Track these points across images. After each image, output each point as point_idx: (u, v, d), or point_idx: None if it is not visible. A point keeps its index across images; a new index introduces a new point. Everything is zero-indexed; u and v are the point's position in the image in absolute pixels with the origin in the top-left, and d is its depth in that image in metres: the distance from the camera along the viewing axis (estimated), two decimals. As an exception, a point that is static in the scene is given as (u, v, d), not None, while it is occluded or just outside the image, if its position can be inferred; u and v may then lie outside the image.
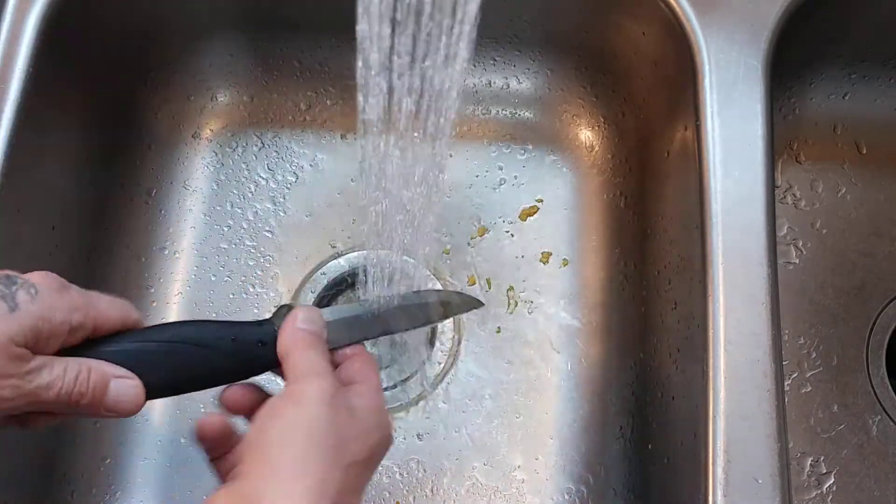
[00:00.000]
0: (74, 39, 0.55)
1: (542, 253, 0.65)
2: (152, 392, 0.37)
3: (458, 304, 0.47)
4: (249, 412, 0.39)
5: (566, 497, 0.59)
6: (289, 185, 0.66)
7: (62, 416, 0.38)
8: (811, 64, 0.65)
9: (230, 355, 0.39)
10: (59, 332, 0.35)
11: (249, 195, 0.66)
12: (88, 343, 0.36)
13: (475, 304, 0.49)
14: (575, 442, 0.60)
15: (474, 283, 0.64)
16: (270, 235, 0.65)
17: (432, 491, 0.59)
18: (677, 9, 0.54)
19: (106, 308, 0.37)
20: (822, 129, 0.69)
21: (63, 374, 0.34)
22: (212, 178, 0.66)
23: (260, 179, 0.67)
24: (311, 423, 0.35)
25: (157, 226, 0.65)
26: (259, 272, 0.64)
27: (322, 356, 0.39)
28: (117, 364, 0.36)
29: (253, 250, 0.64)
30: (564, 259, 0.65)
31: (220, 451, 0.39)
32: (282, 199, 0.66)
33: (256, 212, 0.65)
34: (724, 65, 0.53)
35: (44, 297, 0.35)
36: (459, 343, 0.63)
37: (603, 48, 0.64)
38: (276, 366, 0.39)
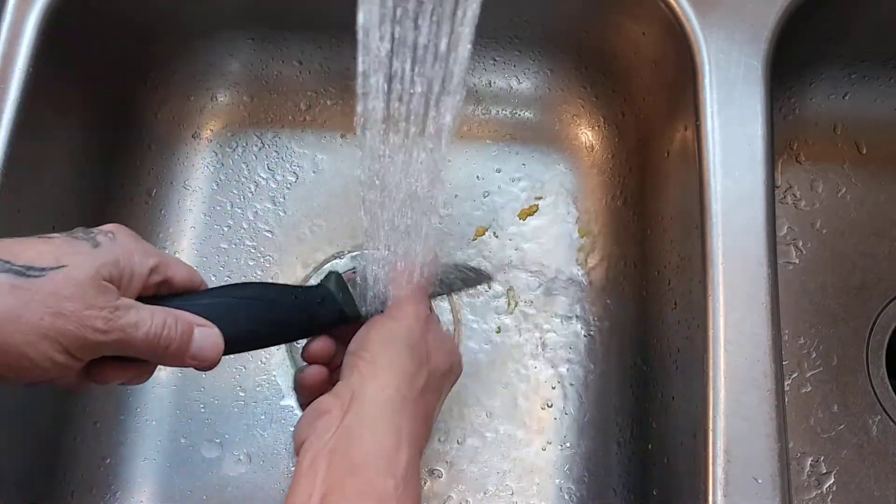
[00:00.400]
0: (74, 39, 0.55)
1: (541, 252, 0.65)
2: (228, 345, 0.38)
3: (474, 278, 0.53)
4: (329, 362, 0.43)
5: (566, 497, 0.59)
6: (289, 185, 0.67)
7: (138, 375, 0.38)
8: (811, 64, 0.65)
9: (295, 311, 0.41)
10: (138, 273, 0.36)
11: (249, 195, 0.66)
12: (164, 298, 0.38)
13: (484, 278, 0.55)
14: (574, 442, 0.60)
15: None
16: (270, 235, 0.65)
17: (432, 490, 0.59)
18: (677, 9, 0.54)
19: (175, 262, 0.39)
20: (822, 129, 0.69)
21: (150, 318, 0.35)
22: (212, 178, 0.66)
23: (260, 179, 0.67)
24: (406, 332, 0.41)
25: (157, 226, 0.65)
26: (259, 272, 0.64)
27: (421, 289, 0.44)
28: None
29: (253, 250, 0.64)
30: (563, 260, 0.65)
31: (314, 394, 0.42)
32: (282, 199, 0.66)
33: (256, 212, 0.65)
34: (724, 65, 0.53)
35: (121, 240, 0.37)
36: (459, 343, 0.63)
37: (603, 48, 0.64)
38: (334, 323, 0.43)
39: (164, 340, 0.36)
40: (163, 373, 0.61)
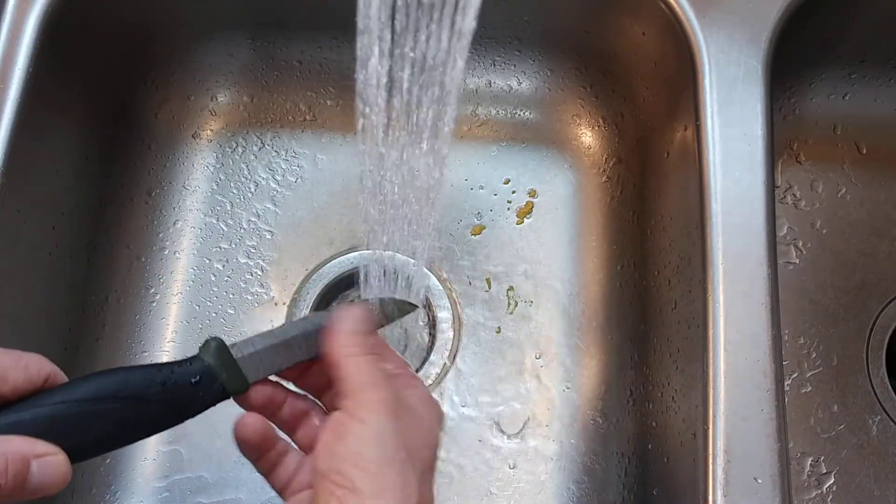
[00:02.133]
0: (74, 39, 0.55)
1: (541, 252, 0.65)
2: (77, 456, 0.32)
3: (398, 309, 0.44)
4: (276, 413, 0.38)
5: (566, 497, 0.59)
6: (289, 185, 0.67)
7: None
8: (811, 64, 0.65)
9: (161, 402, 0.35)
10: None
11: (249, 195, 0.66)
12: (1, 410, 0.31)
13: (410, 308, 0.46)
14: (574, 442, 0.60)
15: (472, 284, 0.64)
16: (270, 235, 0.65)
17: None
18: (677, 9, 0.54)
19: (8, 368, 0.31)
20: (822, 129, 0.69)
21: None
22: (212, 178, 0.66)
23: (260, 179, 0.67)
24: (379, 439, 0.34)
25: (157, 226, 0.65)
26: (259, 272, 0.64)
27: (376, 362, 0.36)
28: (32, 435, 0.31)
29: (253, 250, 0.64)
30: (563, 259, 0.65)
31: (264, 456, 0.38)
32: (282, 199, 0.66)
33: (256, 212, 0.65)
34: (724, 65, 0.53)
35: None
36: (459, 343, 0.63)
37: (603, 48, 0.64)
38: (212, 404, 0.37)
39: None
40: (163, 373, 0.61)
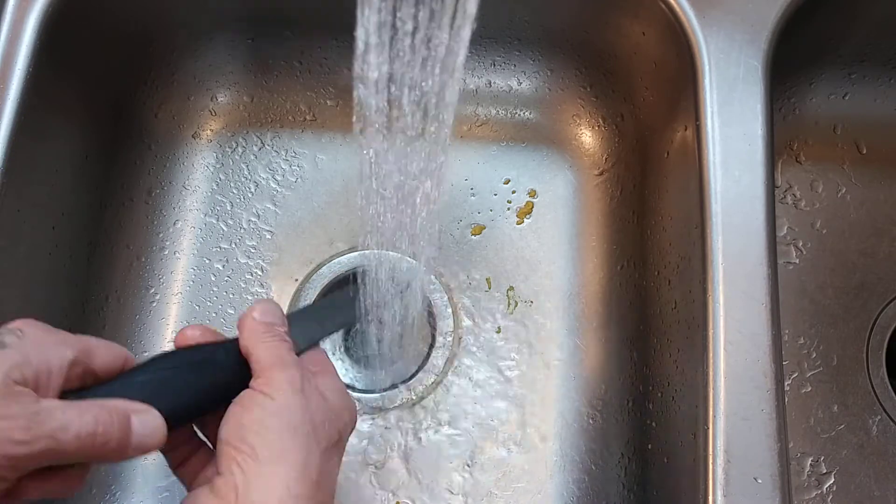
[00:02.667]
0: (74, 39, 0.55)
1: (540, 252, 0.65)
2: (171, 421, 0.35)
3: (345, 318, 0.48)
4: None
5: (566, 497, 0.59)
6: (289, 185, 0.66)
7: (67, 484, 0.34)
8: (811, 64, 0.65)
9: (227, 369, 0.38)
10: (56, 368, 0.33)
11: (249, 195, 0.66)
12: (93, 388, 0.35)
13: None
14: (574, 442, 0.60)
15: (472, 284, 0.64)
16: (270, 235, 0.65)
17: (432, 490, 0.59)
18: (677, 9, 0.54)
19: (96, 346, 0.35)
20: (822, 129, 0.69)
21: (79, 417, 0.31)
22: (212, 179, 0.66)
23: (260, 179, 0.67)
24: (285, 411, 0.35)
25: (157, 226, 0.65)
26: (259, 272, 0.64)
27: (285, 346, 0.39)
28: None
29: (253, 250, 0.64)
30: (562, 260, 0.65)
31: (181, 453, 0.39)
32: (282, 199, 0.66)
33: (256, 212, 0.65)
34: (724, 65, 0.53)
35: (31, 336, 0.33)
36: (459, 343, 0.63)
37: (603, 48, 0.64)
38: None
39: (101, 438, 0.32)
40: (163, 373, 0.61)
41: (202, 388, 0.38)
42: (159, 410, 0.35)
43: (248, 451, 0.34)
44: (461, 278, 0.64)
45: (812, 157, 0.69)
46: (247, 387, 0.38)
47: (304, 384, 0.37)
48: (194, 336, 0.40)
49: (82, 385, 0.34)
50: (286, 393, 0.36)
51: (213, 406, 0.38)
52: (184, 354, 0.39)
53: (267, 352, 0.38)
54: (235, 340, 0.39)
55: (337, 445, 0.38)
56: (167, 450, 0.39)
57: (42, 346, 0.33)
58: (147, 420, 0.34)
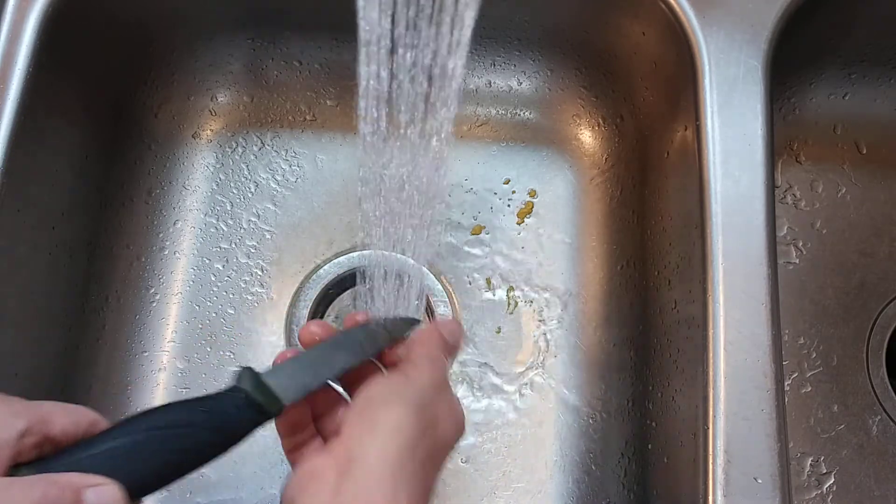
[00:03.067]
0: (74, 39, 0.55)
1: (540, 252, 0.65)
2: (137, 491, 0.33)
3: (400, 328, 0.45)
4: (314, 405, 0.40)
5: (566, 497, 0.59)
6: (289, 186, 0.66)
7: None
8: (811, 64, 0.65)
9: (208, 429, 0.36)
10: (4, 441, 0.30)
11: (249, 195, 0.66)
12: (48, 458, 0.32)
13: (410, 325, 0.47)
14: (574, 442, 0.60)
15: (472, 284, 0.64)
16: (270, 235, 0.65)
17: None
18: (677, 9, 0.54)
19: (53, 412, 0.33)
20: (822, 129, 0.69)
21: (24, 494, 0.29)
22: (212, 179, 0.66)
23: (260, 179, 0.67)
24: (418, 394, 0.37)
25: (157, 226, 0.65)
26: (259, 272, 0.64)
27: (444, 358, 0.40)
28: (87, 472, 0.31)
29: (253, 250, 0.64)
30: (562, 259, 0.65)
31: (295, 439, 0.39)
32: (282, 199, 0.66)
33: (256, 212, 0.65)
34: (724, 65, 0.53)
35: None
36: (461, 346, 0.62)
37: (603, 48, 0.64)
38: (254, 428, 0.38)
39: None
40: (162, 374, 0.61)
41: (181, 450, 0.35)
42: (124, 480, 0.32)
43: (370, 416, 0.35)
44: (461, 278, 0.64)
45: (812, 157, 0.69)
46: (230, 448, 0.37)
47: (443, 386, 0.39)
48: (316, 332, 0.40)
49: (40, 455, 0.32)
50: (425, 381, 0.38)
51: (188, 470, 0.35)
52: (158, 415, 0.35)
53: (428, 350, 0.40)
54: (223, 394, 0.37)
55: (445, 448, 0.39)
56: (284, 433, 0.39)
57: None
58: (103, 493, 0.31)
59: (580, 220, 0.66)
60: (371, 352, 0.42)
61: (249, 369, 0.38)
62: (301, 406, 0.39)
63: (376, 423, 0.35)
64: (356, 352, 0.42)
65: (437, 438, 0.37)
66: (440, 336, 0.41)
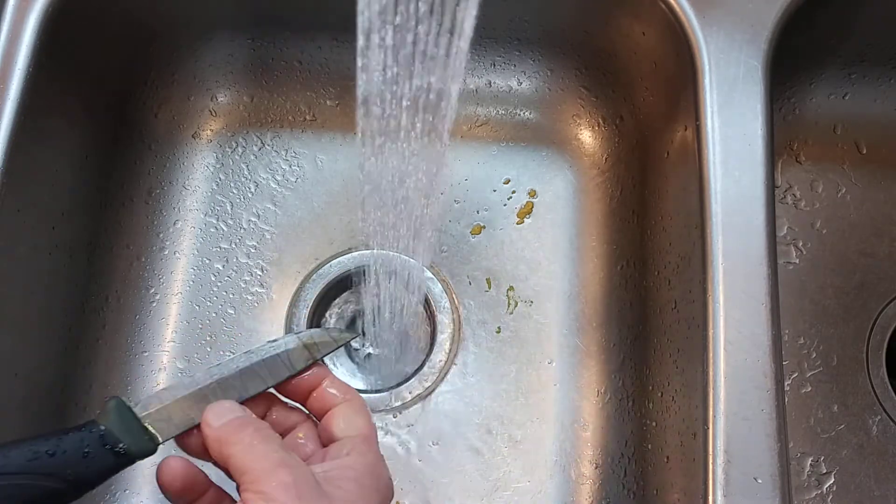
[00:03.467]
0: (74, 39, 0.55)
1: (540, 252, 0.65)
2: None
3: (325, 342, 0.40)
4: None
5: (566, 497, 0.59)
6: (289, 186, 0.66)
7: None
8: (811, 64, 0.65)
9: (51, 475, 0.32)
10: None
11: (249, 195, 0.66)
12: None
13: (345, 338, 0.42)
14: (574, 442, 0.60)
15: (472, 284, 0.64)
16: (270, 235, 0.65)
17: (432, 491, 0.59)
18: (677, 9, 0.54)
19: None
20: (822, 129, 0.69)
21: None
22: (212, 179, 0.66)
23: (260, 179, 0.67)
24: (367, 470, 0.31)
25: (157, 226, 0.65)
26: (259, 272, 0.64)
27: (265, 439, 0.33)
28: None
29: (253, 250, 0.64)
30: (562, 259, 0.65)
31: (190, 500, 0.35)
32: (282, 199, 0.66)
33: (256, 212, 0.65)
34: (724, 65, 0.53)
35: None
36: (459, 343, 0.63)
37: (603, 48, 0.64)
38: (116, 470, 0.34)
39: None
40: (162, 374, 0.61)
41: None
42: None
43: None
44: (461, 278, 0.64)
45: (812, 157, 0.69)
46: (73, 497, 0.33)
47: (303, 490, 0.30)
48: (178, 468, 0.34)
49: None
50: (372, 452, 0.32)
51: None
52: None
53: (245, 457, 0.32)
54: (76, 432, 0.33)
55: None
56: (174, 496, 0.35)
57: None
58: None
59: (580, 220, 0.66)
60: (281, 376, 0.37)
61: (117, 399, 0.34)
62: (186, 468, 0.34)
63: None
64: (255, 382, 0.37)
65: None
66: (232, 427, 0.33)
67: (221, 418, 0.33)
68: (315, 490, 0.31)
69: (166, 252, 0.64)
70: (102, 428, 0.34)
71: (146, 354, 0.61)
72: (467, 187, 0.67)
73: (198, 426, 0.35)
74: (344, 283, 0.64)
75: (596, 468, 0.60)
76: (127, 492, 0.58)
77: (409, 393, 0.61)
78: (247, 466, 0.31)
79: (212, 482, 0.36)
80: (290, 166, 0.67)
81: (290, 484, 0.30)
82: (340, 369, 0.63)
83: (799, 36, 0.56)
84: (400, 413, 0.61)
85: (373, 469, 0.34)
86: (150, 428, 0.34)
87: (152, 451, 0.34)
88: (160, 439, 0.34)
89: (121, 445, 0.33)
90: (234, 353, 0.61)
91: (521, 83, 0.69)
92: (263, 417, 0.38)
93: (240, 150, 0.67)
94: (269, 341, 0.39)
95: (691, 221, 0.52)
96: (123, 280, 0.62)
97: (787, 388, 0.62)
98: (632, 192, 0.65)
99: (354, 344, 0.63)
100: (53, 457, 0.32)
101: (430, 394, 0.61)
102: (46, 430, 0.32)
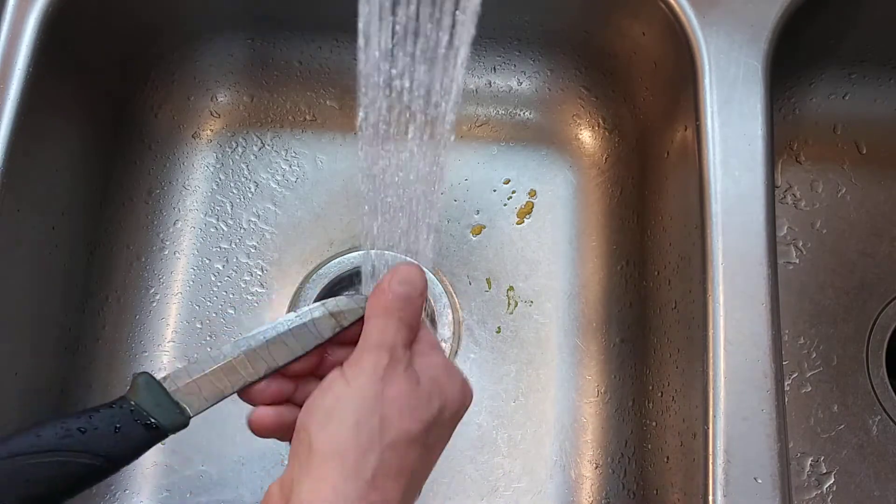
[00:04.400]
0: (74, 39, 0.55)
1: (540, 252, 0.65)
2: None
3: (351, 309, 0.40)
4: (292, 397, 0.37)
5: (566, 497, 0.59)
6: (289, 186, 0.67)
7: None
8: (811, 64, 0.65)
9: (85, 452, 0.32)
10: None
11: (249, 195, 0.66)
12: None
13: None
14: (574, 442, 0.60)
15: (472, 284, 0.64)
16: (270, 235, 0.65)
17: (432, 491, 0.59)
18: (677, 9, 0.54)
19: None
20: (822, 129, 0.69)
21: None
22: (212, 179, 0.66)
23: (260, 179, 0.67)
24: (356, 399, 0.33)
25: (157, 226, 0.65)
26: (259, 272, 0.64)
27: (400, 325, 0.36)
28: None
29: (253, 250, 0.64)
30: (563, 259, 0.65)
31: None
32: (282, 199, 0.66)
33: (256, 212, 0.65)
34: (724, 65, 0.53)
35: None
36: (459, 343, 0.63)
37: (603, 48, 0.64)
38: (148, 446, 0.34)
39: None
40: (162, 374, 0.61)
41: (48, 480, 0.32)
42: None
43: (308, 441, 0.32)
44: (461, 278, 0.64)
45: (812, 157, 0.69)
46: (111, 472, 0.34)
47: (390, 370, 0.34)
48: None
49: None
50: (364, 378, 0.34)
51: (65, 498, 0.32)
52: (27, 439, 0.32)
53: (375, 328, 0.35)
54: (108, 408, 0.34)
55: (423, 438, 0.34)
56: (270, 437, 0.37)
57: None
58: None
59: (580, 220, 0.66)
60: (309, 345, 0.38)
61: (146, 375, 0.35)
62: (274, 415, 0.36)
63: (311, 450, 0.32)
64: (283, 351, 0.37)
65: (395, 438, 0.33)
66: (388, 302, 0.36)
67: (407, 286, 0.36)
68: (399, 373, 0.35)
69: (166, 252, 0.64)
70: (132, 403, 0.34)
71: (146, 354, 0.61)
72: (467, 187, 0.67)
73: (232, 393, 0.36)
74: (344, 283, 0.64)
75: (596, 468, 0.60)
76: (127, 492, 0.58)
77: (409, 393, 0.61)
78: (362, 339, 0.35)
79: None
80: (290, 166, 0.67)
81: (381, 364, 0.34)
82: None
83: (799, 36, 0.56)
84: (400, 413, 0.61)
85: (444, 366, 0.37)
86: (181, 402, 0.35)
87: (184, 425, 0.35)
88: (191, 412, 0.35)
89: (152, 420, 0.34)
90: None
91: (521, 83, 0.69)
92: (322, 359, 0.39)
93: (240, 150, 0.67)
94: (294, 313, 0.39)
95: (691, 221, 0.52)
96: (123, 280, 0.62)
97: (787, 388, 0.62)
98: (632, 192, 0.65)
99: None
100: (85, 434, 0.32)
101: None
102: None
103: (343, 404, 0.33)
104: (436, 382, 0.36)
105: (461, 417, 0.37)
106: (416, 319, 0.37)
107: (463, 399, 0.37)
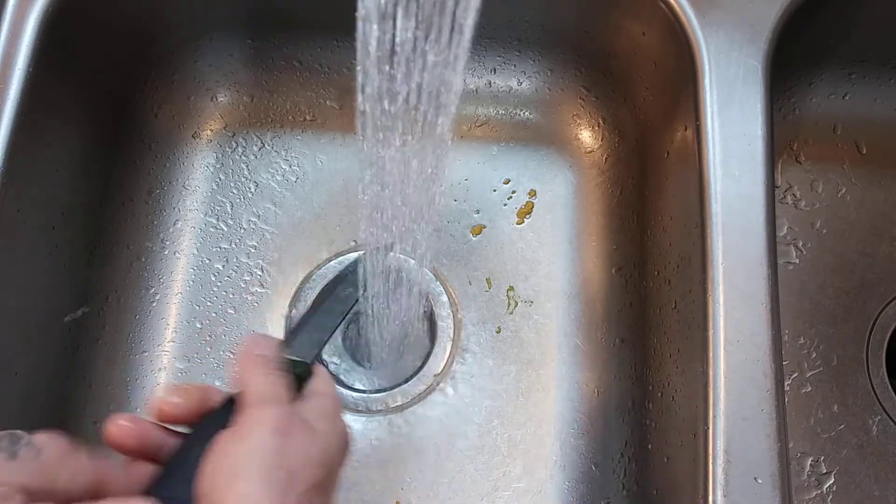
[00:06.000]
0: (74, 39, 0.55)
1: (540, 252, 0.65)
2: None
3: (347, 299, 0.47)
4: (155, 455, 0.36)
5: (566, 497, 0.59)
6: (289, 186, 0.67)
7: None
8: (811, 64, 0.65)
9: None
10: (60, 492, 0.30)
11: (249, 195, 0.66)
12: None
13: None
14: (574, 442, 0.60)
15: (472, 284, 0.64)
16: (270, 235, 0.65)
17: (432, 491, 0.59)
18: (677, 9, 0.54)
19: (116, 476, 0.33)
20: (822, 129, 0.69)
21: None
22: (212, 179, 0.66)
23: (260, 179, 0.67)
24: (258, 456, 0.32)
25: (157, 226, 0.65)
26: (259, 272, 0.64)
27: (273, 379, 0.37)
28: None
29: (253, 250, 0.64)
30: (562, 259, 0.65)
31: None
32: (282, 200, 0.66)
33: (256, 212, 0.65)
34: (724, 65, 0.53)
35: (47, 455, 0.31)
36: (459, 343, 0.63)
37: (603, 48, 0.64)
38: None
39: None
40: (162, 374, 0.61)
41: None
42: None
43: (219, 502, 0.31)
44: (461, 278, 0.64)
45: (812, 157, 0.69)
46: None
47: (283, 421, 0.34)
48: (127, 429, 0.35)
49: None
50: (262, 435, 0.33)
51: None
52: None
53: (253, 386, 0.36)
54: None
55: (324, 483, 0.35)
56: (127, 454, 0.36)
57: (55, 468, 0.31)
58: None
59: (580, 220, 0.66)
60: (351, 302, 0.45)
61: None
62: (137, 426, 0.35)
63: None
64: (339, 304, 0.45)
65: (304, 488, 0.33)
66: (256, 360, 0.37)
67: (251, 349, 0.38)
68: (296, 424, 0.35)
69: (166, 252, 0.64)
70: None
71: (146, 354, 0.61)
72: (467, 187, 0.67)
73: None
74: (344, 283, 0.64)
75: (596, 468, 0.60)
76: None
77: (409, 393, 0.61)
78: (246, 398, 0.36)
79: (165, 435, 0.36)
80: (290, 166, 0.67)
81: (275, 416, 0.34)
82: (340, 368, 0.63)
83: (799, 36, 0.56)
84: (400, 413, 0.61)
85: (333, 410, 0.38)
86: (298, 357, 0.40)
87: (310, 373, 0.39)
88: (308, 361, 0.40)
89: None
90: (234, 353, 0.62)
91: (521, 83, 0.69)
92: None
93: (240, 150, 0.67)
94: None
95: (691, 221, 0.52)
96: (123, 280, 0.62)
97: (787, 388, 0.62)
98: (632, 192, 0.65)
99: (355, 343, 0.63)
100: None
101: (430, 394, 0.61)
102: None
103: (245, 462, 0.32)
104: (325, 425, 0.36)
105: (341, 466, 0.37)
106: (283, 378, 0.38)
107: (345, 451, 0.38)
